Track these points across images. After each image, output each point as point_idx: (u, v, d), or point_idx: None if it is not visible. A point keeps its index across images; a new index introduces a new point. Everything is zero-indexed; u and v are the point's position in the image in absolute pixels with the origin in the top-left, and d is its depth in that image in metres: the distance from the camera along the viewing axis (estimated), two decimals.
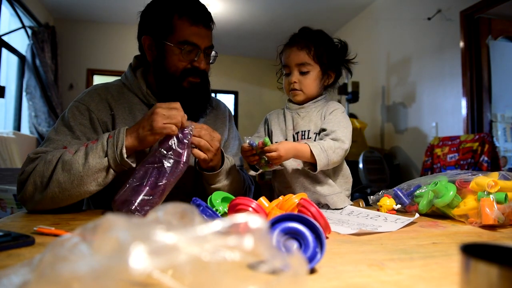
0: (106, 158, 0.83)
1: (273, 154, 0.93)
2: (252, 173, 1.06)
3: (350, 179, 1.16)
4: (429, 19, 3.43)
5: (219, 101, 1.28)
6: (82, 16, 5.10)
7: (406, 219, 0.82)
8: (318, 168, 0.98)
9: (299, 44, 1.09)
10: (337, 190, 1.10)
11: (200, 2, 1.04)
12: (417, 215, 0.87)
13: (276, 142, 1.11)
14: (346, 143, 1.03)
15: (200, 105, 1.08)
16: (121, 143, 0.83)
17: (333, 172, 1.12)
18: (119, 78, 1.12)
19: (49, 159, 0.85)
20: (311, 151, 0.97)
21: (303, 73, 1.10)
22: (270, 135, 1.16)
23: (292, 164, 1.09)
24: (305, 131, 1.10)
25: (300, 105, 1.14)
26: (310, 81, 1.10)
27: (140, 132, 0.85)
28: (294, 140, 1.10)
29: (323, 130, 1.07)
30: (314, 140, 1.08)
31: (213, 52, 1.07)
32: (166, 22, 0.98)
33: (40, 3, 4.58)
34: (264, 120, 1.21)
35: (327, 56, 1.10)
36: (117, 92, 1.05)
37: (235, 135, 1.26)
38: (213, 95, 1.20)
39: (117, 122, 1.00)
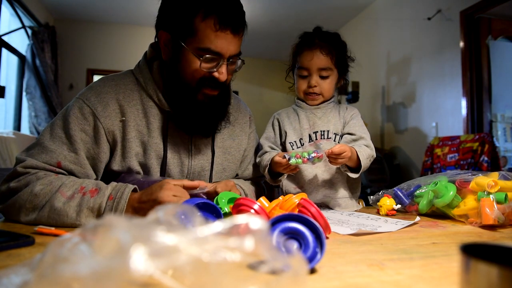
0: None
1: (346, 154, 0.96)
2: (278, 180, 1.08)
3: (360, 180, 1.18)
4: (429, 19, 3.42)
5: (241, 101, 1.14)
6: (82, 16, 5.09)
7: (407, 222, 0.82)
8: (358, 174, 1.05)
9: (323, 49, 1.07)
10: (347, 194, 1.11)
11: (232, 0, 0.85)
12: (418, 218, 0.87)
13: (290, 143, 1.13)
14: (374, 151, 1.08)
15: (215, 121, 0.95)
16: (121, 210, 0.74)
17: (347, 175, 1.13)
18: (130, 69, 0.97)
19: (36, 191, 0.74)
20: (357, 156, 1.00)
21: (323, 77, 1.10)
22: (283, 136, 1.16)
23: (308, 166, 1.10)
24: (324, 131, 1.11)
25: (315, 105, 1.15)
26: (330, 86, 1.11)
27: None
28: (310, 140, 1.11)
29: (350, 134, 1.10)
30: (334, 140, 1.11)
31: (239, 61, 0.91)
32: (187, 20, 0.82)
33: (40, 3, 4.58)
34: (274, 120, 1.19)
35: (343, 61, 1.11)
36: (130, 90, 0.91)
37: (255, 143, 1.17)
38: None
39: (129, 130, 0.88)
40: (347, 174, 1.07)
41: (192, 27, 0.82)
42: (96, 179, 0.89)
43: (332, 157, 0.96)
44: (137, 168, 0.90)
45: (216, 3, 0.82)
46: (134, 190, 0.78)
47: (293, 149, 1.11)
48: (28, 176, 0.77)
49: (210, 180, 1.01)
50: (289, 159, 0.94)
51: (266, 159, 1.06)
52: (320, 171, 1.09)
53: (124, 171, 0.90)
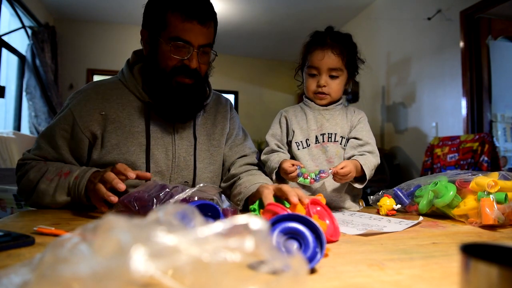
0: (69, 197, 0.91)
1: (351, 175, 0.97)
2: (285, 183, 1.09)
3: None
4: (429, 19, 3.43)
5: (220, 95, 1.23)
6: (82, 16, 5.10)
7: (410, 222, 0.82)
8: (363, 185, 1.06)
9: (335, 49, 1.07)
10: (350, 197, 1.12)
11: None
12: (421, 217, 0.87)
13: (296, 143, 1.13)
14: (379, 157, 1.09)
15: (190, 107, 1.02)
16: (82, 187, 0.88)
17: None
18: (117, 75, 1.10)
19: (31, 177, 0.95)
20: (362, 168, 1.02)
21: (332, 77, 1.09)
22: (290, 134, 1.15)
23: (312, 167, 1.10)
24: (331, 133, 1.11)
25: (324, 106, 1.14)
26: (339, 86, 1.11)
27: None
28: (317, 141, 1.11)
29: (356, 139, 1.10)
30: (340, 143, 1.11)
31: (212, 51, 1.01)
32: (160, 16, 0.95)
33: (40, 3, 4.58)
34: (281, 118, 1.18)
35: (353, 62, 1.12)
36: (111, 89, 1.03)
37: (239, 125, 1.22)
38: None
39: (108, 123, 0.99)
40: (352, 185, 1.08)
41: (165, 21, 0.94)
42: (82, 164, 1.02)
43: (338, 177, 0.97)
44: (117, 156, 0.99)
45: (180, 0, 0.94)
46: (97, 171, 0.91)
47: (298, 149, 1.12)
48: (26, 166, 0.99)
49: (195, 164, 1.06)
50: (298, 175, 0.98)
51: (274, 161, 1.06)
52: None
53: (104, 161, 0.99)
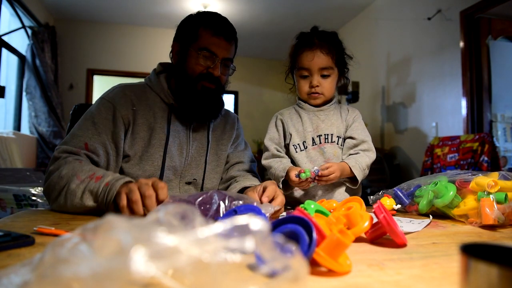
0: (96, 203, 0.85)
1: (331, 177, 1.00)
2: (290, 188, 1.11)
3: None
4: (429, 19, 3.43)
5: (229, 111, 1.36)
6: (82, 16, 5.10)
7: (421, 221, 0.82)
8: (356, 186, 1.09)
9: (323, 48, 1.08)
10: (348, 196, 1.12)
11: (226, 19, 1.13)
12: (431, 217, 0.87)
13: (294, 145, 1.14)
14: (375, 154, 1.11)
15: (211, 109, 1.15)
16: (111, 195, 0.82)
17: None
18: (142, 80, 1.22)
19: (62, 174, 0.90)
20: (350, 170, 1.04)
21: (324, 76, 1.10)
22: (287, 138, 1.16)
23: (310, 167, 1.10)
24: (328, 134, 1.11)
25: (317, 106, 1.14)
26: (331, 85, 1.11)
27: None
28: (314, 143, 1.11)
29: (351, 138, 1.11)
30: (337, 144, 1.11)
31: (231, 65, 1.16)
32: (193, 32, 1.11)
33: (40, 3, 4.58)
34: (277, 121, 1.18)
35: (343, 59, 1.12)
36: (140, 91, 1.15)
37: (242, 137, 1.34)
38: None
39: (138, 117, 1.10)
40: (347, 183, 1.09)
41: (197, 34, 1.09)
42: (117, 157, 1.06)
43: (322, 180, 1.00)
44: (141, 148, 1.08)
45: (214, 19, 1.11)
46: (129, 182, 0.87)
47: (296, 152, 1.12)
48: (61, 160, 0.95)
49: (205, 163, 1.17)
50: (297, 176, 1.00)
51: (279, 169, 1.07)
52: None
53: (131, 150, 1.07)
